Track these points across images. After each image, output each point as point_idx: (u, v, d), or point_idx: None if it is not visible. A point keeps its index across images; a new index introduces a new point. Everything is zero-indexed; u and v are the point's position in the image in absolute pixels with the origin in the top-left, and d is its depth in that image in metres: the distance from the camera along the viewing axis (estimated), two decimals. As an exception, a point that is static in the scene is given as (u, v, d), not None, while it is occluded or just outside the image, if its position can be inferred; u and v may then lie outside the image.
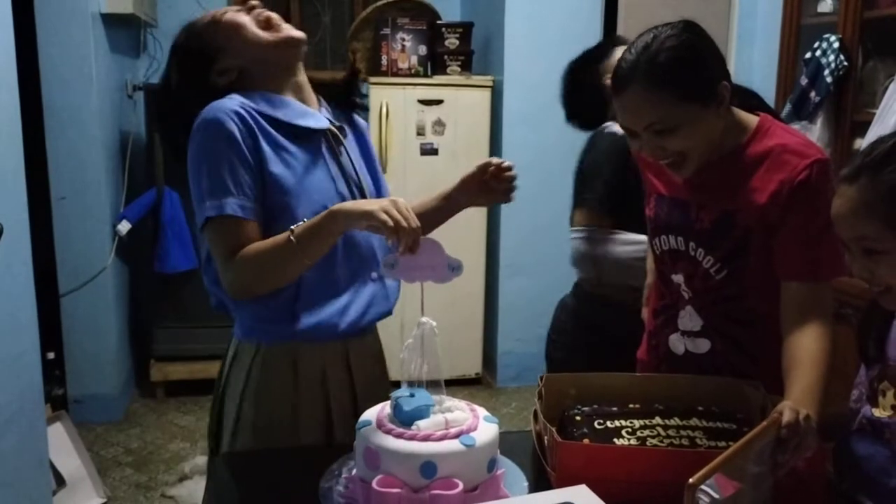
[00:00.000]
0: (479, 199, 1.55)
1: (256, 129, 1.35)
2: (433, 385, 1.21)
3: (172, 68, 1.47)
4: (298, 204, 1.36)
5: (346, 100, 1.57)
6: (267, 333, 1.42)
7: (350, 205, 1.26)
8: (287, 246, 1.28)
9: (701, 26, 1.37)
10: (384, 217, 1.19)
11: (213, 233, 1.34)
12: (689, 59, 1.30)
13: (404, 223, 1.19)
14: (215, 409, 1.50)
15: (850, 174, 1.14)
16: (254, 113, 1.36)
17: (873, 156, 1.13)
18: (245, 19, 1.43)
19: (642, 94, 1.29)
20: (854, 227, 1.14)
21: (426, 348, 1.21)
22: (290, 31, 1.44)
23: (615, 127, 1.88)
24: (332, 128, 1.47)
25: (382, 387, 1.54)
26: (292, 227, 1.28)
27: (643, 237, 1.74)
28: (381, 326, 1.64)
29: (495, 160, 1.49)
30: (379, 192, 1.55)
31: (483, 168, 1.50)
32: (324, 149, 1.45)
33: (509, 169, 1.49)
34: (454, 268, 1.26)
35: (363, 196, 1.48)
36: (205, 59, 1.42)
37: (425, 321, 1.21)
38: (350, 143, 1.52)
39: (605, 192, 1.86)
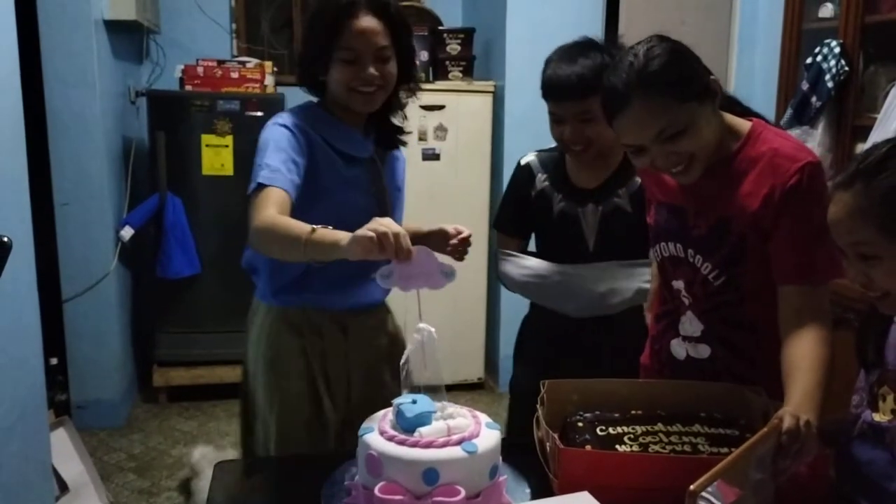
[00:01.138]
0: (436, 248, 1.74)
1: (311, 144, 1.60)
2: (435, 391, 1.22)
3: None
4: (322, 203, 1.58)
5: (387, 139, 1.77)
6: (279, 300, 1.70)
7: (346, 237, 1.34)
8: (300, 240, 1.38)
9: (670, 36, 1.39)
10: (367, 233, 1.27)
11: (258, 196, 1.49)
12: (678, 60, 1.33)
13: (383, 229, 1.26)
14: (245, 359, 1.78)
15: (845, 180, 1.15)
16: (312, 133, 1.61)
17: (868, 162, 1.13)
18: (350, 78, 1.59)
19: (645, 106, 1.31)
20: (850, 233, 1.14)
21: (426, 354, 1.22)
22: (365, 104, 1.63)
23: (527, 157, 1.97)
24: (374, 156, 1.72)
25: (380, 359, 1.77)
26: (314, 227, 1.38)
27: (534, 264, 1.89)
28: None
29: (464, 233, 1.70)
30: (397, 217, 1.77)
31: (452, 234, 1.71)
32: (364, 172, 1.68)
33: (467, 240, 1.70)
34: (447, 274, 1.30)
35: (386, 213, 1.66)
36: (316, 58, 1.62)
37: (423, 327, 1.23)
38: (387, 170, 1.76)
39: (510, 219, 2.00)
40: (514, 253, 1.94)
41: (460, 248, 1.70)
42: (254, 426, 1.75)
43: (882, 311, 1.20)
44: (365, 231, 1.27)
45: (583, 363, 1.77)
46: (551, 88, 1.76)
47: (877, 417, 1.21)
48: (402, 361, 1.25)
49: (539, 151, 1.96)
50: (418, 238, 1.78)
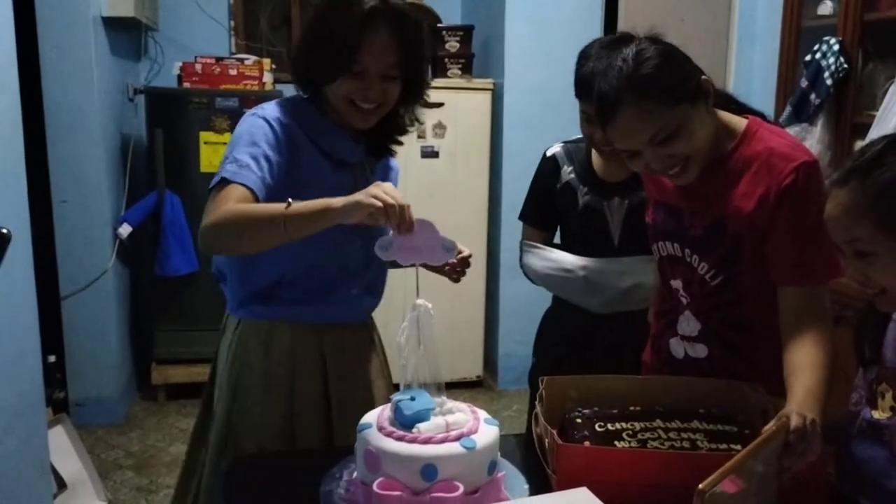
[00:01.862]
0: (434, 268, 1.59)
1: (293, 140, 1.47)
2: (433, 388, 1.21)
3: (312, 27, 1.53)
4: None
5: (379, 146, 1.64)
6: (246, 311, 1.57)
7: (341, 200, 1.27)
8: (276, 217, 1.29)
9: (659, 35, 1.37)
10: (371, 201, 1.22)
11: (221, 190, 1.38)
12: (668, 63, 1.31)
13: (391, 201, 1.21)
14: (210, 376, 1.68)
15: (840, 178, 1.15)
16: (296, 129, 1.49)
17: (863, 159, 1.14)
18: (352, 91, 1.47)
19: (636, 112, 1.29)
20: (846, 230, 1.14)
21: (422, 331, 1.19)
22: (362, 120, 1.51)
23: (553, 148, 1.94)
24: (364, 162, 1.60)
25: (361, 378, 1.62)
26: (289, 199, 1.30)
27: (559, 256, 1.87)
28: (386, 323, 1.67)
29: (464, 252, 1.54)
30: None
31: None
32: (351, 178, 1.55)
33: (466, 260, 1.55)
34: (448, 249, 1.28)
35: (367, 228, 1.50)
36: (322, 65, 1.47)
37: (420, 303, 1.20)
38: (377, 179, 1.60)
39: (535, 211, 1.98)
40: (538, 245, 1.92)
41: (458, 269, 1.56)
42: (223, 438, 1.58)
43: (879, 308, 1.20)
44: (370, 199, 1.22)
45: (603, 359, 1.74)
46: (585, 87, 1.70)
47: (876, 415, 1.21)
48: (398, 337, 1.21)
49: (565, 142, 1.94)
50: None
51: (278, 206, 1.30)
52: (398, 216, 1.22)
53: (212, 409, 1.64)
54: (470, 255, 1.57)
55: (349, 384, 1.59)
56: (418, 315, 1.20)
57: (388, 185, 1.26)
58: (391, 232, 1.26)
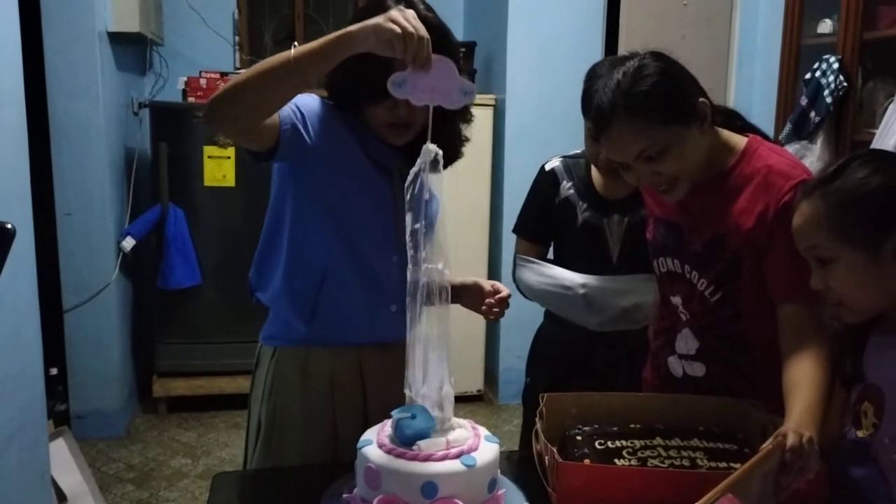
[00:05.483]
0: (469, 304, 1.60)
1: (333, 122, 1.42)
2: (436, 266, 1.17)
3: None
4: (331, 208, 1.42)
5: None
6: (281, 337, 1.51)
7: (357, 25, 1.18)
8: (286, 60, 1.21)
9: (665, 53, 1.38)
10: (390, 25, 1.14)
11: None
12: (664, 83, 1.32)
13: (411, 29, 1.14)
14: (248, 415, 1.59)
15: (806, 191, 1.22)
16: (340, 120, 1.44)
17: (826, 173, 1.21)
18: (386, 116, 1.42)
19: (627, 127, 1.31)
20: (807, 238, 1.21)
21: (431, 178, 1.15)
22: (397, 138, 1.46)
23: (551, 162, 1.94)
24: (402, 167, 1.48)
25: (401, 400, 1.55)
26: (294, 44, 1.23)
27: (557, 273, 1.84)
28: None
29: (503, 293, 1.53)
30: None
31: (489, 292, 1.56)
32: (391, 184, 1.47)
33: (505, 300, 1.54)
34: (466, 92, 1.22)
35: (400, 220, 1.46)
36: (357, 91, 1.42)
37: (431, 149, 1.15)
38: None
39: (531, 224, 1.96)
40: (535, 260, 1.90)
41: (496, 309, 1.53)
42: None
43: (844, 320, 1.24)
44: (388, 23, 1.14)
45: (600, 378, 1.73)
46: (590, 105, 1.63)
47: (860, 434, 1.21)
48: (407, 184, 1.15)
49: (564, 157, 1.93)
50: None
51: (285, 52, 1.22)
52: (416, 47, 1.14)
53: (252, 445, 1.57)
54: (509, 296, 1.52)
55: (389, 407, 1.46)
56: (426, 161, 1.15)
57: (410, 13, 1.18)
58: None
